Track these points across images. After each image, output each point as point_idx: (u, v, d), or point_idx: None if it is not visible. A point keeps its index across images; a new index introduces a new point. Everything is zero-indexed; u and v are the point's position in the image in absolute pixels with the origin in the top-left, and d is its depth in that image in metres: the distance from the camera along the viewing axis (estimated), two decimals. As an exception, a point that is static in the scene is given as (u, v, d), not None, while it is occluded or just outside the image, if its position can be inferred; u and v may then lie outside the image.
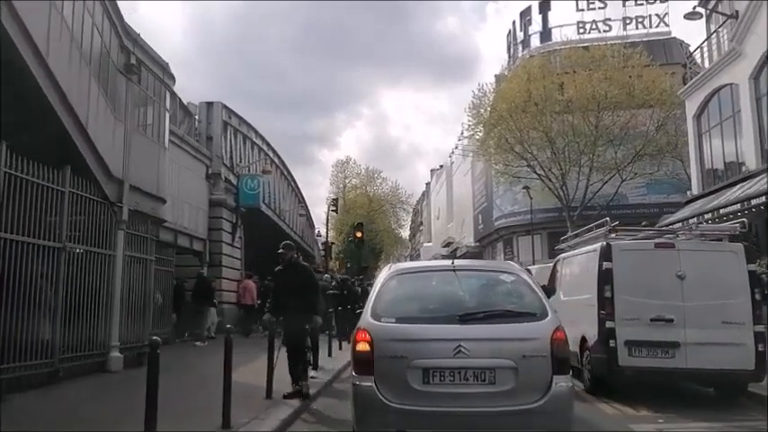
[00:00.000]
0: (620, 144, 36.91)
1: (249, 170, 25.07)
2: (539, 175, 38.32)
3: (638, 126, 36.76)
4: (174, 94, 14.73)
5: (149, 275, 13.18)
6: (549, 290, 11.87)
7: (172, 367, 12.62)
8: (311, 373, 10.39)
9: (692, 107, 22.80)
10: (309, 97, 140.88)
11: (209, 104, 22.45)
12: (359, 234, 27.88)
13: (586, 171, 37.36)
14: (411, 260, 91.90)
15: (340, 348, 15.17)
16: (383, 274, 5.88)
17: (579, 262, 10.28)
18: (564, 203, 38.28)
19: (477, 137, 40.07)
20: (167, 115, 14.10)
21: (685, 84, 23.69)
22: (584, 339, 9.40)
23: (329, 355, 13.49)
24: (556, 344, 4.90)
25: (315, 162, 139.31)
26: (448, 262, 5.94)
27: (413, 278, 5.91)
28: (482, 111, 39.29)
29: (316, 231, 39.61)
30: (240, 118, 25.61)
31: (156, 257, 16.38)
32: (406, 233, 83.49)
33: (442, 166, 71.41)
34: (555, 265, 11.93)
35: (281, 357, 9.03)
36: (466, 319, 5.05)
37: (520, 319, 5.14)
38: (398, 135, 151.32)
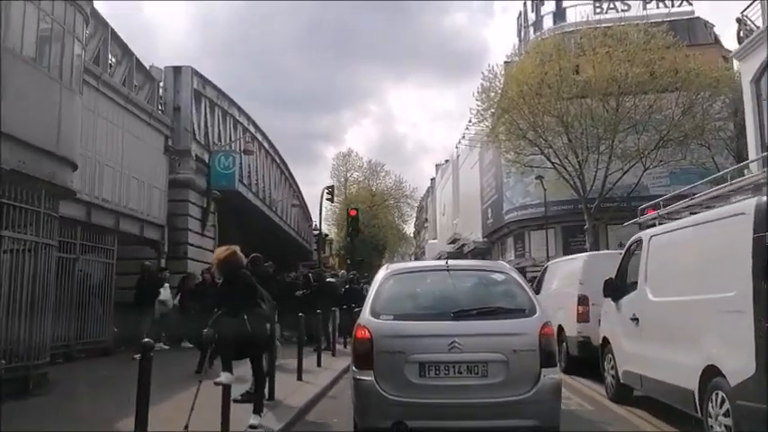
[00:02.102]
0: (644, 129, 32.79)
1: (231, 147, 20.91)
2: (553, 163, 34.20)
3: (662, 109, 32.63)
4: (89, 21, 10.63)
5: (47, 266, 9.09)
6: (620, 286, 7.74)
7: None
8: (252, 420, 6.26)
9: (748, 70, 18.56)
10: (315, 95, 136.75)
11: (177, 69, 18.32)
12: (353, 212, 23.67)
13: (605, 159, 33.30)
14: (416, 258, 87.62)
15: (319, 365, 10.86)
16: (381, 274, 5.87)
17: (694, 238, 5.97)
18: (581, 195, 34.11)
19: (487, 123, 35.84)
20: (79, 47, 9.99)
21: (740, 43, 19.42)
22: (711, 370, 5.16)
23: (299, 378, 9.29)
24: (544, 338, 4.97)
25: (320, 160, 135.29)
26: (442, 262, 6.13)
27: (409, 277, 5.98)
28: (492, 94, 35.08)
29: (312, 224, 35.19)
30: (218, 90, 21.51)
31: (86, 244, 12.41)
32: (410, 229, 79.04)
33: (447, 161, 67.27)
34: (630, 249, 7.73)
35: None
36: (459, 315, 5.12)
37: (510, 315, 5.19)
38: (405, 132, 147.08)
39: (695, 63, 32.17)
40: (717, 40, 41.04)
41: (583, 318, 10.04)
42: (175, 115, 17.96)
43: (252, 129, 25.60)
